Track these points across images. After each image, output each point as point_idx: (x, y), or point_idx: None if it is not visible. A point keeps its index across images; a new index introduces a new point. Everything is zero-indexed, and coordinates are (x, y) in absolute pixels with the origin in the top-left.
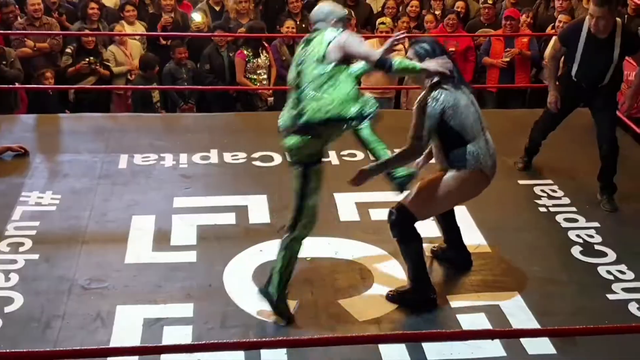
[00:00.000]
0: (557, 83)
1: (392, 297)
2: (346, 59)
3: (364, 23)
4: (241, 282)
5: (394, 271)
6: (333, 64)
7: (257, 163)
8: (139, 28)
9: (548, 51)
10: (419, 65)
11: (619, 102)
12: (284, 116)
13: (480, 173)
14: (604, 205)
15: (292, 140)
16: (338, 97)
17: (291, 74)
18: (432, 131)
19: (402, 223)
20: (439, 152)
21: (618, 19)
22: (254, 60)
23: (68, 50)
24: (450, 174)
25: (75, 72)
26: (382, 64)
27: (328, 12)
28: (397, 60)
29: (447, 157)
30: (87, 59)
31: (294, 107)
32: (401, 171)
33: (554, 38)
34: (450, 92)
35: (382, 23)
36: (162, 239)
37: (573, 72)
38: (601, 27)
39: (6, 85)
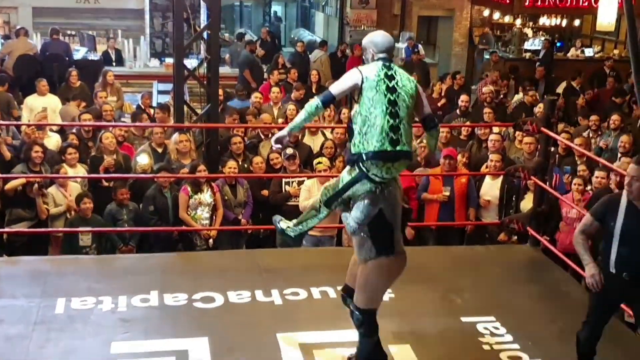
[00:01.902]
0: (591, 256)
1: None
2: None
3: (304, 163)
4: None
5: None
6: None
7: (198, 304)
8: (80, 170)
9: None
10: None
11: None
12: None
13: (402, 255)
14: None
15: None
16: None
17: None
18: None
19: (367, 320)
20: (365, 244)
21: None
22: (196, 197)
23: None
24: (378, 262)
25: (14, 190)
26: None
27: (392, 47)
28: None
29: (374, 247)
30: (36, 182)
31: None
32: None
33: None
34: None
35: (319, 163)
36: None
37: (611, 261)
38: (635, 190)
39: None
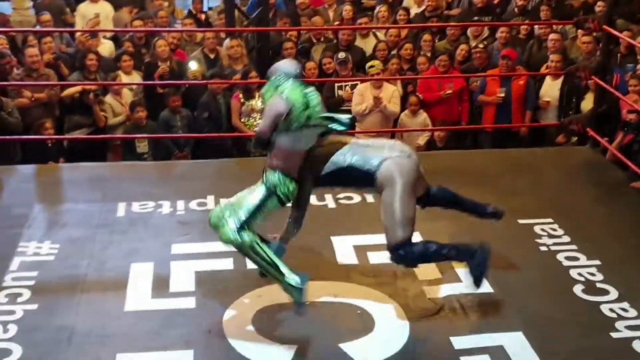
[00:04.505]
0: None
1: None
2: None
3: (357, 66)
4: (241, 327)
5: (394, 313)
6: None
7: None
8: (136, 78)
9: None
10: None
11: None
12: None
13: (396, 160)
14: None
15: None
16: None
17: None
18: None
19: (408, 256)
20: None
21: None
22: (248, 103)
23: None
24: (383, 182)
25: (72, 97)
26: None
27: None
28: None
29: (365, 185)
30: (92, 92)
31: None
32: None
33: None
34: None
35: (372, 66)
36: (161, 286)
37: None
38: None
39: (6, 136)
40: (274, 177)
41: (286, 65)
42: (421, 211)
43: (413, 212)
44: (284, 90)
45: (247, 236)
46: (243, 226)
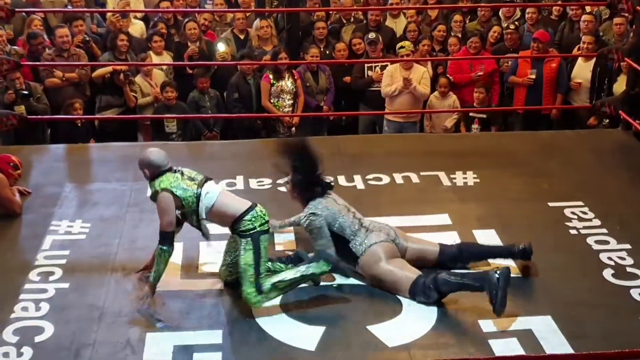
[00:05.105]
0: None
1: None
2: None
3: (387, 47)
4: (269, 308)
5: None
6: None
7: (283, 189)
8: (166, 58)
9: None
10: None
11: None
12: None
13: (382, 245)
14: None
15: None
16: None
17: None
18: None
19: (427, 293)
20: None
21: None
22: (278, 84)
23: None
24: (367, 264)
25: (102, 78)
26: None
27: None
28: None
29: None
30: (122, 71)
31: None
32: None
33: None
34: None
35: (402, 47)
36: (190, 266)
37: None
38: None
39: (35, 116)
40: (244, 226)
41: (155, 156)
42: (450, 194)
43: (401, 266)
44: (167, 185)
45: (266, 291)
46: (259, 287)
